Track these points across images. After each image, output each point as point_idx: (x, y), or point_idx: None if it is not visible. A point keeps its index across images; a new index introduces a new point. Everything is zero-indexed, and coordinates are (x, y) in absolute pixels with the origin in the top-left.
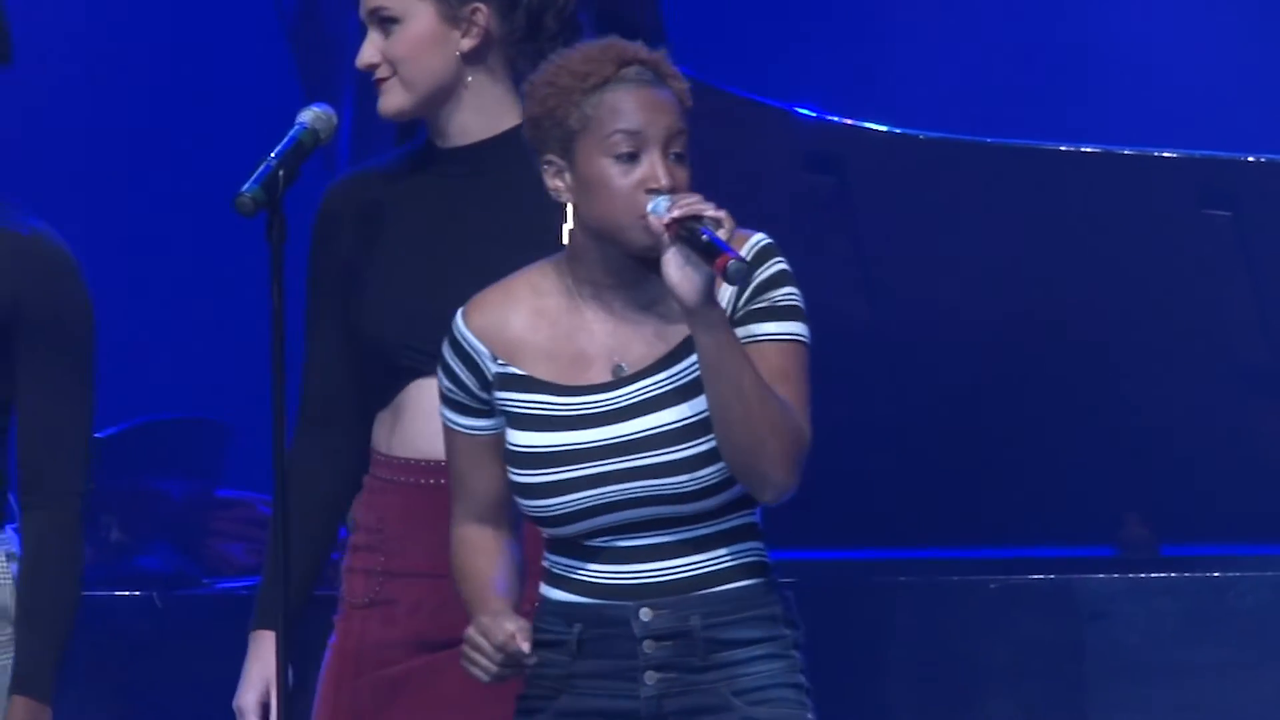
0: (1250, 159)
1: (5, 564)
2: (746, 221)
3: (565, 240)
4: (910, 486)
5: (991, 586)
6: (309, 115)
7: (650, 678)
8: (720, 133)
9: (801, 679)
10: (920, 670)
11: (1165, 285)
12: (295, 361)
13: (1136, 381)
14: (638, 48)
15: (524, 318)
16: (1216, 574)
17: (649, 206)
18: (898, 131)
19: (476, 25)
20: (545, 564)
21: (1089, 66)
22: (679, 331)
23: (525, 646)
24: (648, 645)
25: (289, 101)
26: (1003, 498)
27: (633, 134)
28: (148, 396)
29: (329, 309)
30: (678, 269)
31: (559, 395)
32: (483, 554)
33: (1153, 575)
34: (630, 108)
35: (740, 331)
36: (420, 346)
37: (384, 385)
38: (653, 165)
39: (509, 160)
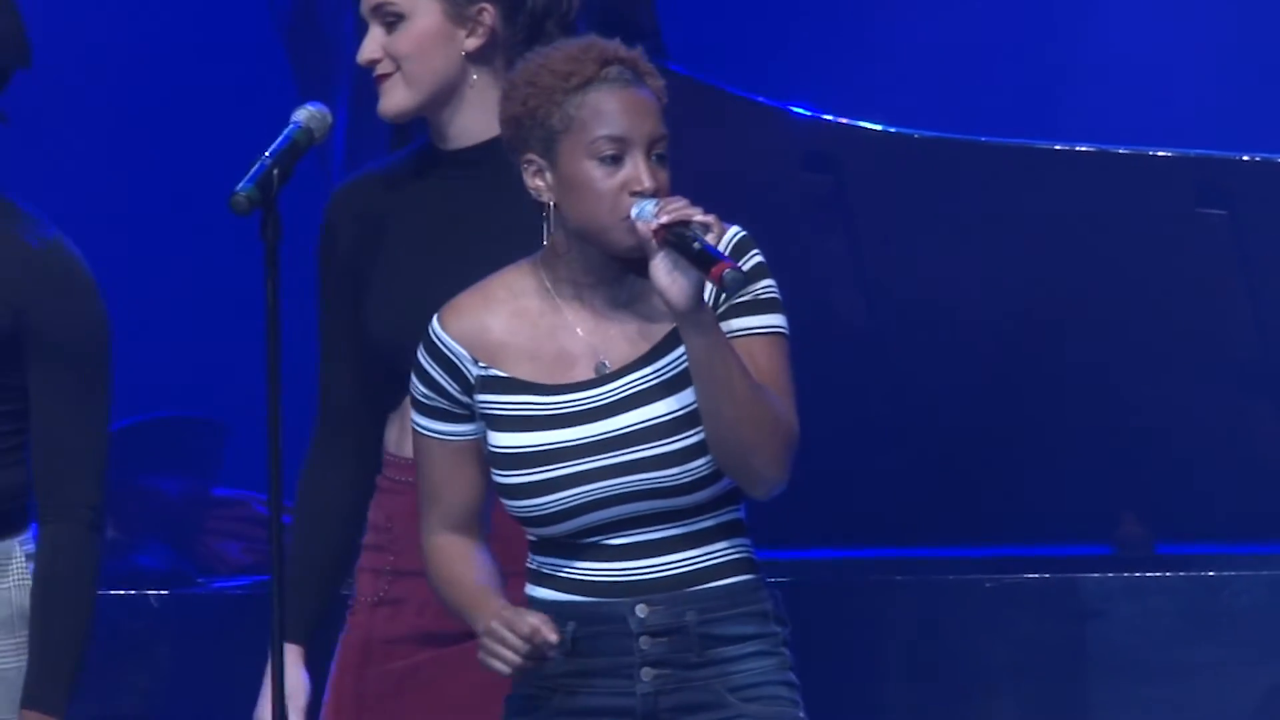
0: (1246, 158)
1: (25, 565)
2: (742, 221)
3: (545, 240)
4: (906, 485)
5: (987, 585)
6: (304, 114)
7: (646, 674)
8: (716, 132)
9: (792, 676)
10: (916, 669)
11: (1161, 284)
12: (291, 360)
13: (1133, 380)
14: (617, 46)
15: (503, 320)
16: (1212, 573)
17: (634, 211)
18: (893, 131)
19: (482, 25)
20: (531, 565)
21: (1083, 66)
22: (661, 327)
23: (553, 636)
24: (644, 641)
25: (284, 101)
26: (998, 496)
27: (617, 138)
28: (143, 395)
29: (340, 318)
30: (667, 274)
31: (543, 395)
32: (462, 560)
33: (1149, 574)
34: (614, 110)
35: (727, 324)
36: (409, 346)
37: (391, 388)
38: (636, 167)
39: (498, 163)
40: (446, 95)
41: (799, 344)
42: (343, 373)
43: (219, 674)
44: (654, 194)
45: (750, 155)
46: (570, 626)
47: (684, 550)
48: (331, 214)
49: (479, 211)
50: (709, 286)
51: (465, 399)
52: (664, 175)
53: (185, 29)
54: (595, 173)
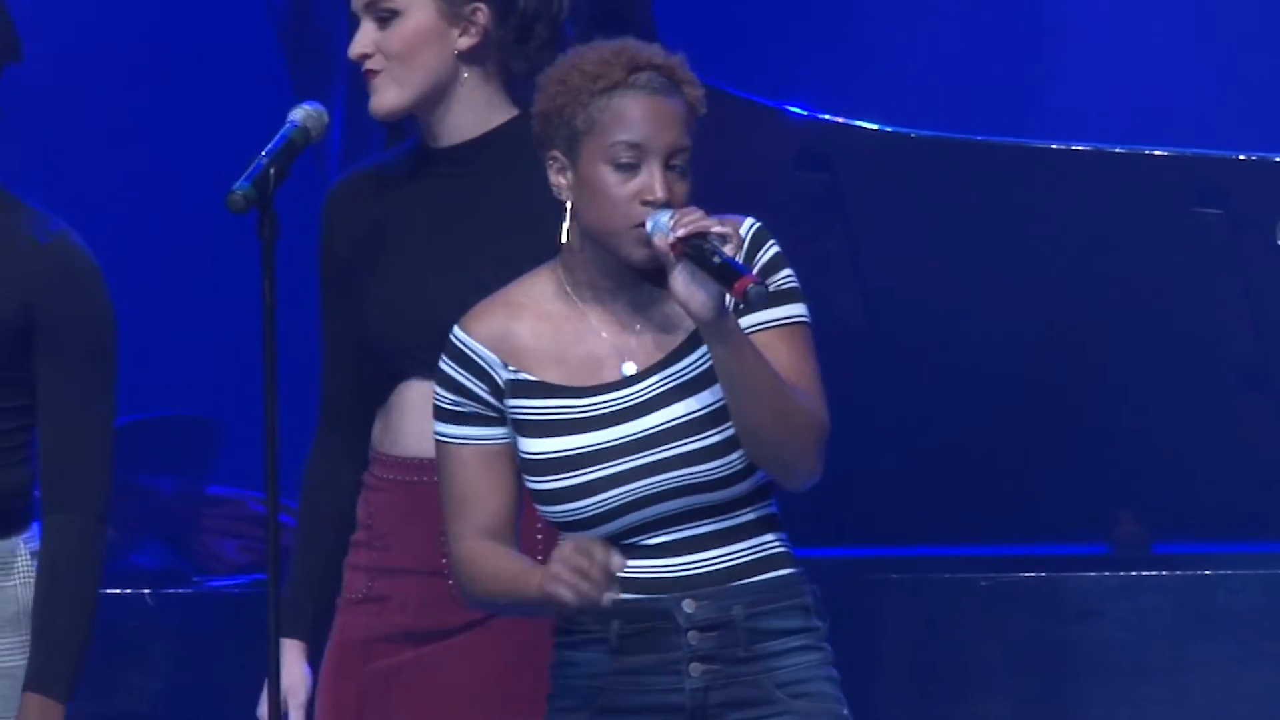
0: (1242, 157)
1: (30, 563)
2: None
3: (564, 239)
4: (901, 484)
5: (983, 584)
6: (300, 113)
7: (695, 669)
8: (711, 131)
9: (835, 672)
10: (911, 668)
11: (1157, 283)
12: (288, 359)
13: (1128, 379)
14: (653, 52)
15: (527, 325)
16: (1207, 572)
17: (649, 224)
18: (889, 130)
19: (475, 25)
20: None
21: (1080, 65)
22: (684, 327)
23: (617, 562)
24: (692, 636)
25: (280, 100)
26: (994, 495)
27: (635, 145)
28: (140, 394)
29: (337, 312)
30: (686, 286)
31: (574, 398)
32: (496, 555)
33: (1144, 573)
34: (636, 117)
35: (748, 319)
36: (407, 346)
37: (380, 384)
38: (651, 177)
39: (498, 158)
40: (438, 94)
41: None
42: (341, 370)
43: (215, 672)
44: (667, 205)
45: (745, 154)
46: (616, 625)
47: (726, 545)
48: (327, 210)
49: (469, 208)
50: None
51: (496, 402)
52: (681, 187)
53: (182, 28)
54: (610, 178)
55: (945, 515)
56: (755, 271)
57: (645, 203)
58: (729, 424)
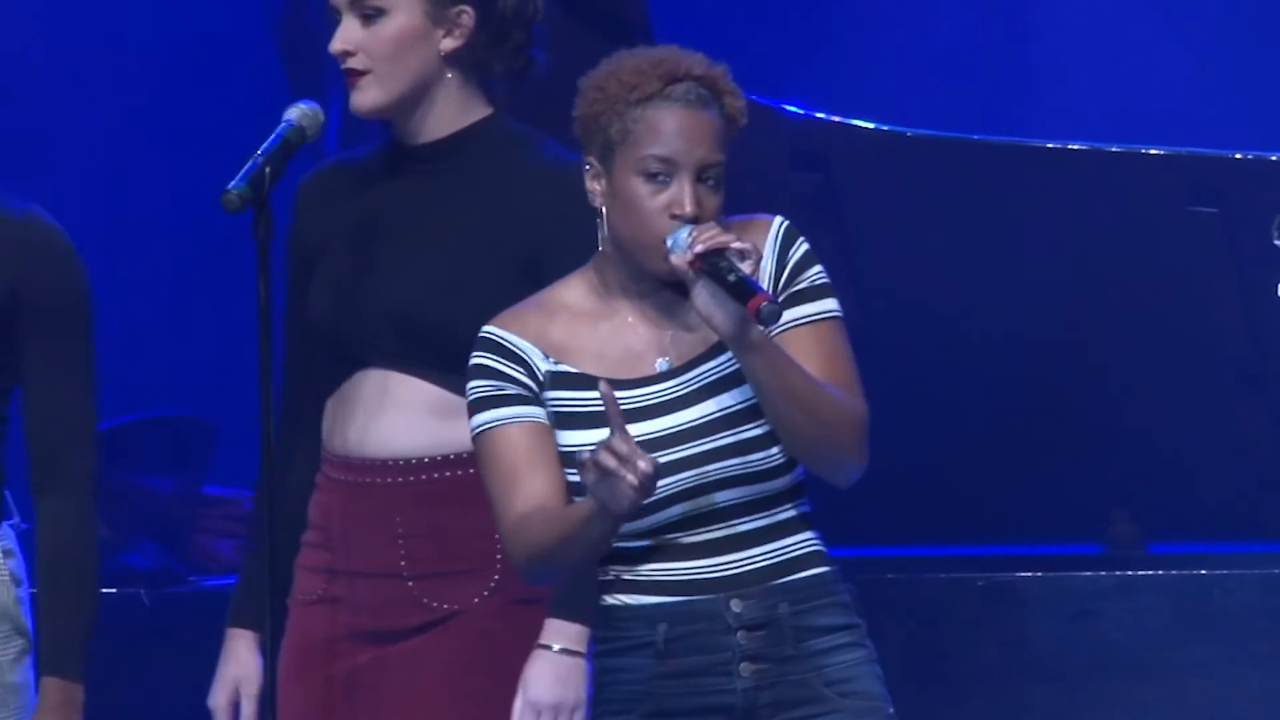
0: (1237, 156)
1: (3, 561)
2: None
3: (599, 245)
4: (897, 484)
5: (979, 584)
6: (296, 113)
7: (745, 669)
8: None
9: (880, 670)
10: (908, 667)
11: (1152, 282)
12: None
13: (1124, 378)
14: (693, 63)
15: (563, 325)
16: (1203, 571)
17: (669, 240)
18: (884, 129)
19: (460, 27)
20: (609, 576)
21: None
22: None
23: (646, 465)
24: (741, 636)
25: (276, 99)
26: (990, 495)
27: (665, 158)
28: (134, 394)
29: (301, 304)
30: (706, 303)
31: (621, 389)
32: (553, 510)
33: (1140, 573)
34: (669, 130)
35: (785, 316)
36: (371, 335)
37: (330, 377)
38: (681, 190)
39: (473, 156)
40: (420, 94)
41: None
42: (302, 365)
43: (209, 672)
44: (694, 219)
45: (740, 153)
46: (662, 629)
47: (768, 542)
48: (297, 202)
49: (442, 204)
50: (762, 266)
51: (536, 389)
52: (712, 201)
53: (177, 27)
54: (641, 190)
55: (941, 515)
56: (789, 269)
57: (674, 216)
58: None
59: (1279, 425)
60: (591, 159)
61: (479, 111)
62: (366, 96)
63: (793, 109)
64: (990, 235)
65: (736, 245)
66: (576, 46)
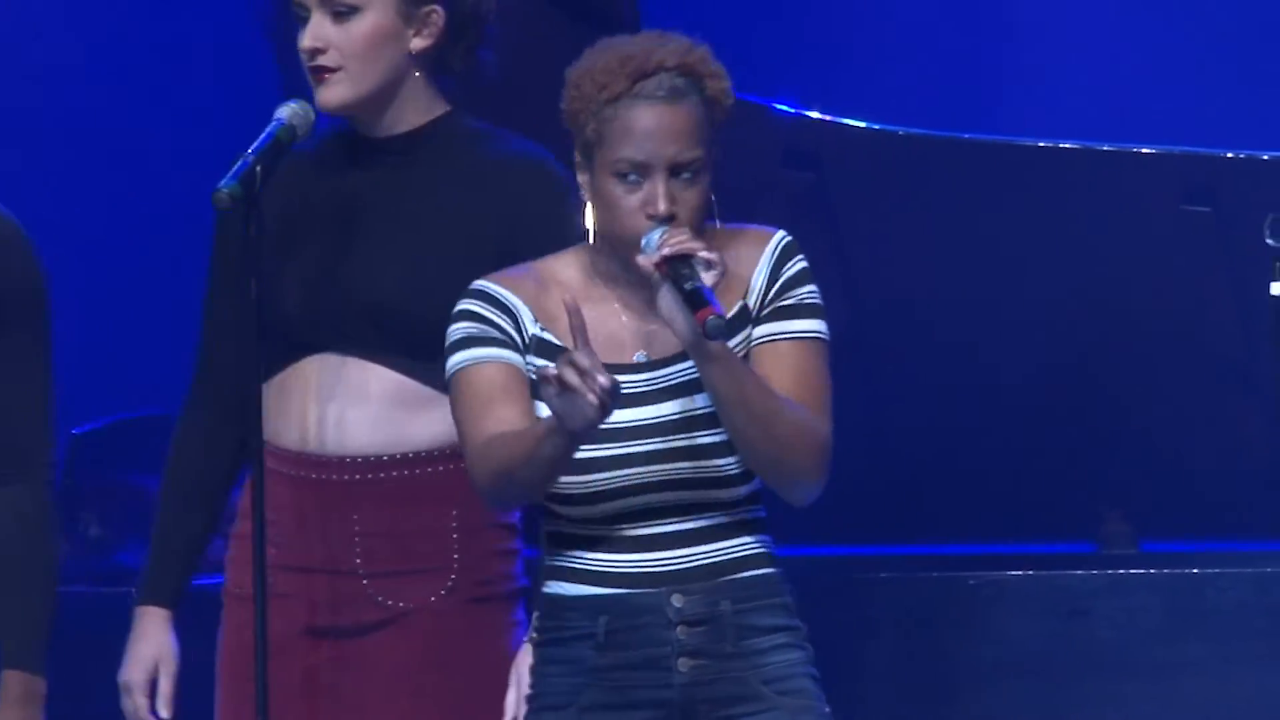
0: (1229, 155)
1: None
2: (728, 217)
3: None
4: (889, 482)
5: (971, 582)
6: (287, 111)
7: (684, 664)
8: None
9: (816, 672)
10: (900, 666)
11: (1144, 281)
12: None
13: (1116, 377)
14: (666, 53)
15: (555, 296)
16: (1196, 570)
17: (642, 242)
18: (876, 127)
19: (430, 26)
20: (553, 563)
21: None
22: None
23: (606, 380)
24: (681, 631)
25: (267, 97)
26: (982, 493)
27: (636, 161)
28: (126, 393)
29: (228, 284)
30: (669, 306)
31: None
32: (513, 431)
33: (1132, 571)
34: (639, 132)
35: (762, 329)
36: (329, 321)
37: (275, 363)
38: (654, 190)
39: (431, 152)
40: (388, 92)
41: None
42: (222, 334)
43: (201, 670)
44: (669, 219)
45: (731, 152)
46: (603, 620)
47: (715, 541)
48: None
49: (409, 194)
50: (754, 280)
51: (520, 343)
52: (690, 196)
53: (167, 25)
54: (616, 190)
55: (933, 514)
56: (779, 284)
57: (650, 217)
58: None
59: (1271, 424)
60: (577, 155)
61: (439, 108)
62: (335, 93)
63: (784, 107)
64: (982, 234)
65: (703, 254)
66: (566, 42)
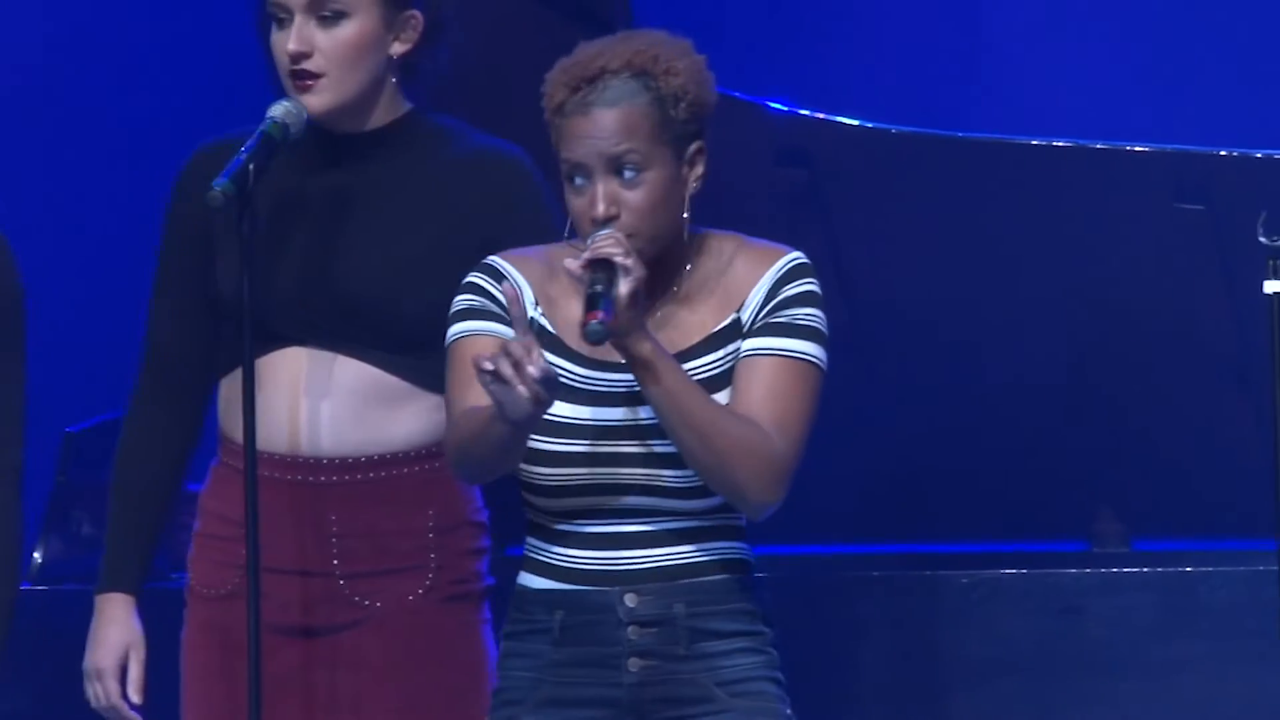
0: (1223, 153)
1: None
2: (717, 217)
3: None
4: (881, 481)
5: (963, 581)
6: (279, 109)
7: (634, 664)
8: None
9: (779, 674)
10: (892, 665)
11: (1138, 279)
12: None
13: (1109, 375)
14: (611, 56)
15: (559, 285)
16: (1189, 569)
17: (589, 242)
18: (870, 125)
19: (410, 31)
20: (527, 553)
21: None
22: (693, 334)
23: (537, 371)
24: (632, 631)
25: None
26: (974, 492)
27: (576, 164)
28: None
29: (183, 270)
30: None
31: (583, 366)
32: (477, 410)
33: (1125, 570)
34: (575, 136)
35: (749, 344)
36: (303, 314)
37: (228, 350)
38: (593, 194)
39: (408, 145)
40: (368, 97)
41: None
42: (173, 323)
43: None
44: (608, 220)
45: (725, 150)
46: (559, 615)
47: (676, 545)
48: (194, 167)
49: (384, 188)
50: (756, 293)
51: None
52: (634, 196)
53: (160, 24)
54: (569, 194)
55: (925, 512)
56: (777, 301)
57: (591, 219)
58: None
59: (1265, 422)
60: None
61: (404, 106)
62: (322, 98)
63: (778, 105)
64: (975, 232)
65: (622, 260)
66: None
